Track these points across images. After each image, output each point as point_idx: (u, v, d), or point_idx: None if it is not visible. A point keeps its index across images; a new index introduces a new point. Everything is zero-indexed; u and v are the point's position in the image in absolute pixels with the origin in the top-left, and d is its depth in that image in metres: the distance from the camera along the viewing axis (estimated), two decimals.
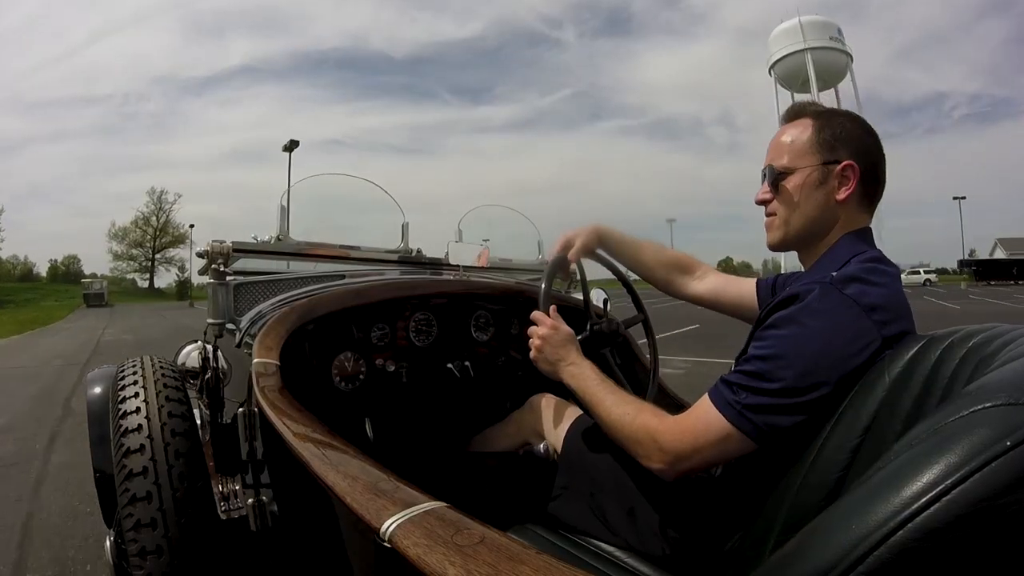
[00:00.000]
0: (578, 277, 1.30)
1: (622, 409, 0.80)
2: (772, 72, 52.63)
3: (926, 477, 0.36)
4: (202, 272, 1.39)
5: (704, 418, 0.70)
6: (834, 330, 0.65)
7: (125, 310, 26.32)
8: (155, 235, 51.68)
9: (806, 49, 49.15)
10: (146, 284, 52.53)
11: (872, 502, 0.38)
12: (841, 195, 0.76)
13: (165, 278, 53.66)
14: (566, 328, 0.96)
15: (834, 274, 0.71)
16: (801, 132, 0.79)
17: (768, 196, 0.83)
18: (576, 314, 1.28)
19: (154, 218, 52.08)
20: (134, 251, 51.83)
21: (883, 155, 0.78)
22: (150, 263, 52.31)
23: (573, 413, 1.07)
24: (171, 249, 51.93)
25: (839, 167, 0.76)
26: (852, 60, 50.15)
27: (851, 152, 0.75)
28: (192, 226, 43.31)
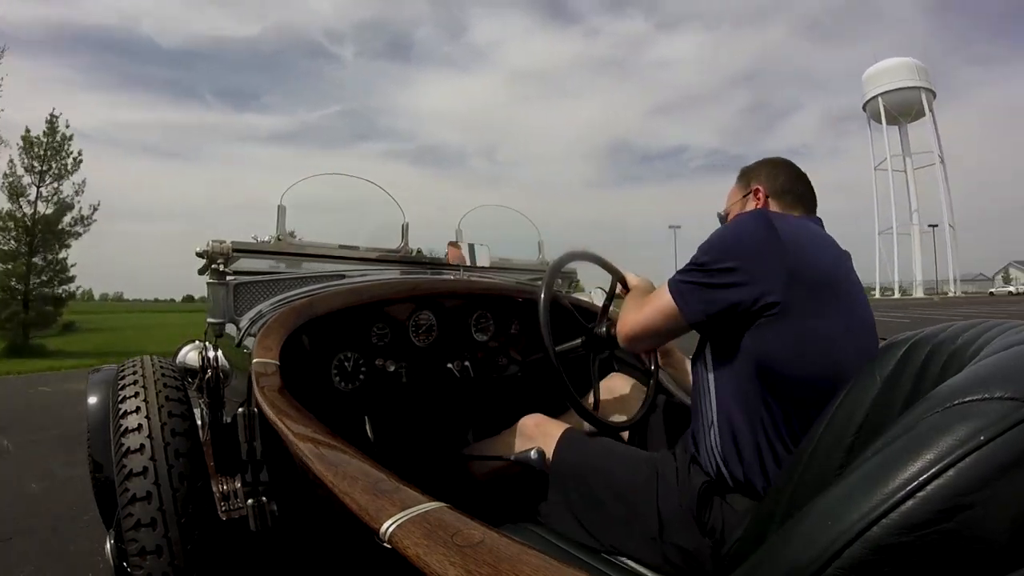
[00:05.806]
0: (578, 278, 1.31)
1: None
2: (877, 104, 65.06)
3: (902, 473, 0.37)
4: (202, 272, 1.39)
5: (659, 292, 0.93)
6: (737, 226, 0.85)
7: None
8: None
9: (920, 87, 63.41)
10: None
11: (849, 498, 0.38)
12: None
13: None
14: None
15: None
16: (733, 185, 1.12)
17: None
18: (573, 320, 1.28)
19: None
20: None
21: (791, 175, 1.04)
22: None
23: (560, 431, 1.08)
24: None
25: (751, 191, 1.05)
26: (935, 97, 65.30)
27: (759, 180, 1.05)
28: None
